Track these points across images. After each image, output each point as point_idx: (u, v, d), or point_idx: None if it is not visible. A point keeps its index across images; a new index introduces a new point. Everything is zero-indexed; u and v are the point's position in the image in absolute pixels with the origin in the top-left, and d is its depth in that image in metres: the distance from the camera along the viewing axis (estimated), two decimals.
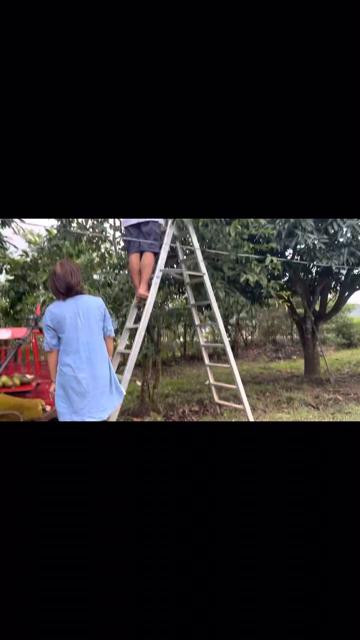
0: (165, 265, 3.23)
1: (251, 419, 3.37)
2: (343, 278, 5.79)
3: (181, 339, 10.55)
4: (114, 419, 2.80)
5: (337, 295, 6.53)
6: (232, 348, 9.84)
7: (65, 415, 2.21)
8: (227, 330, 10.93)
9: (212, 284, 3.47)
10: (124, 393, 2.51)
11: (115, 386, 2.39)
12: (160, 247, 3.07)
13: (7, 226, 3.54)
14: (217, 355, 10.59)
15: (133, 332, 3.23)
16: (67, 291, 2.15)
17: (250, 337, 11.33)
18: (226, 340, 3.42)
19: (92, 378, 2.20)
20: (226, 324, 10.06)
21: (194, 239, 3.27)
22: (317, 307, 6.45)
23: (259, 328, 11.23)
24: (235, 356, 9.48)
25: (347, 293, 6.26)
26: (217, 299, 3.53)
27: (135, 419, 4.12)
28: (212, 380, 4.02)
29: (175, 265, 4.04)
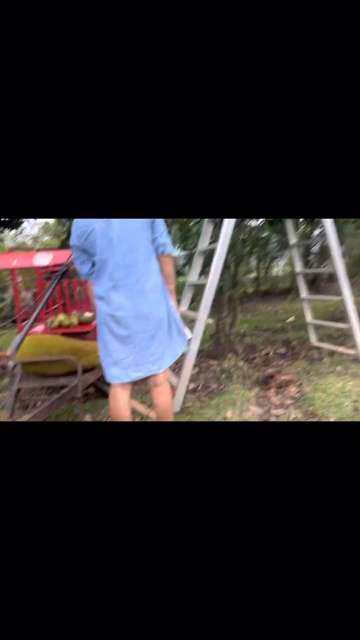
0: None
1: None
2: None
3: (254, 274, 9.48)
4: (187, 370, 2.21)
5: None
6: (313, 281, 8.51)
7: (107, 367, 1.64)
8: (306, 261, 9.51)
9: None
10: (190, 336, 1.85)
11: (176, 328, 1.71)
12: None
13: None
14: (296, 290, 9.39)
15: (209, 256, 2.47)
16: None
17: None
18: (339, 262, 2.46)
19: (137, 316, 1.55)
20: (307, 252, 8.62)
21: None
22: None
23: (348, 256, 9.50)
24: (317, 290, 8.20)
25: None
26: None
27: (212, 362, 3.56)
28: (310, 319, 3.16)
29: None
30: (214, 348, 3.93)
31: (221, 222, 2.19)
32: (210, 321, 4.14)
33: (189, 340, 1.89)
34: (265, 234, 3.52)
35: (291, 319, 5.80)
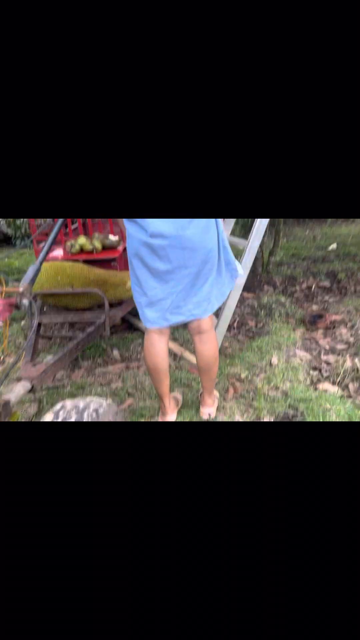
0: None
1: None
2: None
3: None
4: (231, 309, 1.90)
5: None
6: None
7: (141, 309, 1.34)
8: None
9: None
10: (241, 272, 1.50)
11: (225, 261, 1.38)
12: None
13: None
14: None
15: None
16: None
17: None
18: None
19: (180, 246, 1.21)
20: None
21: None
22: None
23: None
24: None
25: None
26: None
27: (247, 295, 3.23)
28: None
29: None
30: (248, 279, 3.55)
31: None
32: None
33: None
34: None
35: (333, 246, 5.19)
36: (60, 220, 1.44)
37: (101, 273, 2.00)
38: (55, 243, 1.91)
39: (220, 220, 1.33)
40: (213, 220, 1.28)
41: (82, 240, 2.26)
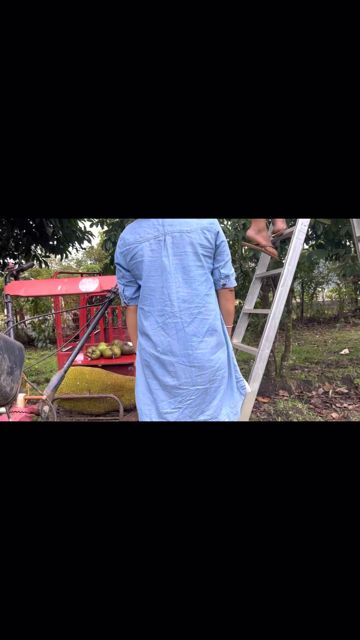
0: None
1: None
2: None
3: (297, 299, 8.98)
4: (245, 418, 1.87)
5: None
6: None
7: (146, 414, 1.31)
8: (357, 287, 8.84)
9: None
10: (249, 390, 1.49)
11: (236, 379, 1.38)
12: None
13: None
14: (345, 318, 8.72)
15: (266, 283, 2.16)
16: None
17: None
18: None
19: (189, 364, 1.24)
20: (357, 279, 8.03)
21: None
22: None
23: None
24: None
25: None
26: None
27: (262, 399, 3.17)
28: None
29: None
30: (262, 383, 3.53)
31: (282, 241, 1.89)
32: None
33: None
34: (313, 257, 3.16)
35: (345, 350, 5.25)
36: (88, 330, 1.59)
37: (118, 378, 2.07)
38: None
39: (229, 341, 1.42)
40: (223, 339, 1.35)
41: (102, 346, 2.42)
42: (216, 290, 1.33)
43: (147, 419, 1.32)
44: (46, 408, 1.20)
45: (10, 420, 1.10)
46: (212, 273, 1.30)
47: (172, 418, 1.28)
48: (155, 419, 1.31)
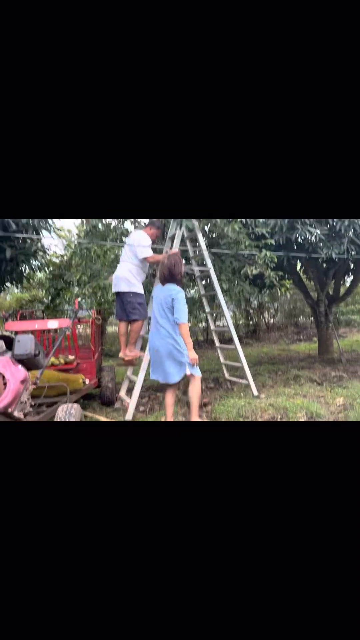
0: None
1: (255, 393, 3.94)
2: (353, 265, 6.06)
3: (202, 324, 11.14)
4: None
5: (352, 278, 6.80)
6: (254, 331, 10.26)
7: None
8: (248, 314, 11.22)
9: (218, 277, 4.02)
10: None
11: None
12: (145, 313, 3.32)
13: (46, 231, 4.23)
14: (230, 338, 10.99)
15: None
16: (164, 279, 2.67)
17: (272, 320, 11.67)
18: (230, 324, 3.99)
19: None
20: (247, 308, 10.44)
21: (200, 239, 3.81)
22: (330, 291, 6.77)
23: (280, 311, 11.55)
24: (257, 339, 9.88)
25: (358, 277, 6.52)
26: (222, 290, 4.09)
27: (160, 394, 4.82)
28: (222, 360, 4.62)
29: (187, 261, 4.61)
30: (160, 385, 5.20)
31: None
32: None
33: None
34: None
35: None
36: (51, 354, 3.06)
37: (64, 374, 3.55)
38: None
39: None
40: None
41: (52, 359, 3.89)
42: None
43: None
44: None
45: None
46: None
47: None
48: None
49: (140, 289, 3.31)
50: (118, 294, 3.35)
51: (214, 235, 4.14)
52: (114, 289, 3.36)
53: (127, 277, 3.25)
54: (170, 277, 2.70)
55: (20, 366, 2.22)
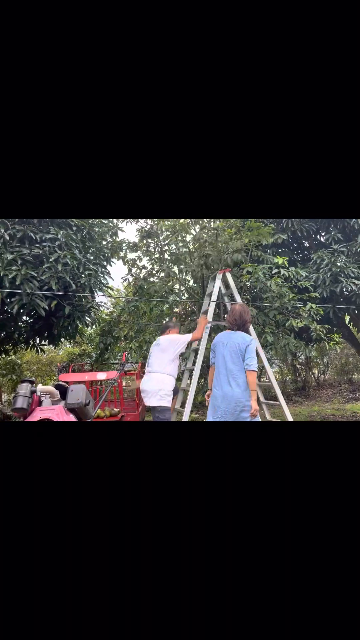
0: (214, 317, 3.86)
1: None
2: None
3: None
4: None
5: None
6: (303, 388, 9.68)
7: None
8: (296, 370, 10.72)
9: (261, 330, 3.99)
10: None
11: None
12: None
13: (100, 290, 4.60)
14: (273, 395, 10.37)
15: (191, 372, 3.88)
16: (235, 325, 2.70)
17: (322, 377, 10.98)
18: (273, 380, 3.85)
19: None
20: (295, 362, 10.01)
21: (236, 295, 3.85)
22: None
23: (331, 367, 10.87)
24: (307, 396, 9.28)
25: None
26: (267, 343, 4.03)
27: None
28: (268, 417, 4.37)
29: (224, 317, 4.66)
30: None
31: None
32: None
33: None
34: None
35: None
36: (99, 404, 3.14)
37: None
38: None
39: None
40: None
41: (98, 411, 3.98)
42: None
43: None
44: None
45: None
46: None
47: None
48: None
49: (169, 401, 3.06)
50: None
51: (257, 289, 4.21)
52: (146, 403, 3.09)
53: (157, 389, 3.00)
54: (241, 323, 2.75)
55: (71, 415, 2.30)
